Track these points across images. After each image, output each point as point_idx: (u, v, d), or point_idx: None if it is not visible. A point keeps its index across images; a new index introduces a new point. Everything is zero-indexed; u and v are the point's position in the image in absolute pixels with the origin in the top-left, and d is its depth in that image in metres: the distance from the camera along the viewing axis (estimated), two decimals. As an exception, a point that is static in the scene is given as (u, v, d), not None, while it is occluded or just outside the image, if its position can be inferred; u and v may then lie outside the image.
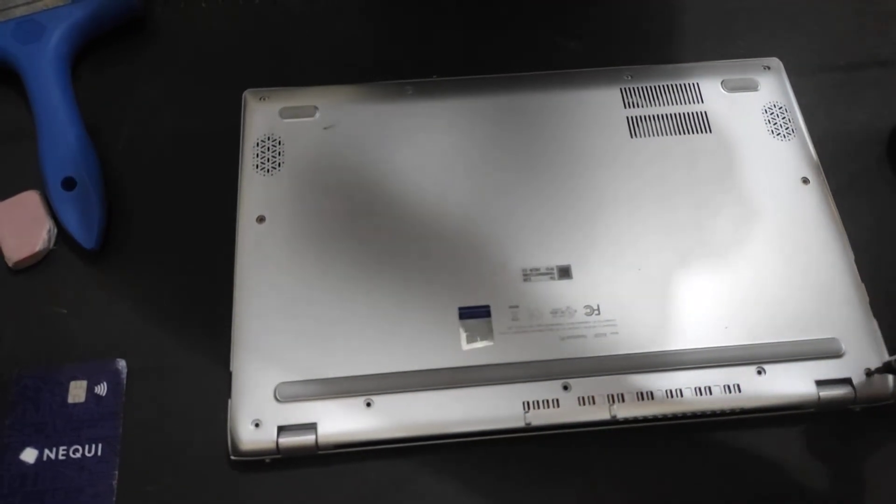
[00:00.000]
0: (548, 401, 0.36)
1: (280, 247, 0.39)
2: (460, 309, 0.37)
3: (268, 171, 0.41)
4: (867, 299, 0.38)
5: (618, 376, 0.36)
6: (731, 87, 0.44)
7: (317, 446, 0.35)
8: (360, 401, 0.35)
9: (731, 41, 0.48)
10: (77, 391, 0.37)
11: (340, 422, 0.35)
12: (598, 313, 0.37)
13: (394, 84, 0.44)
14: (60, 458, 0.35)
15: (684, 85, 0.44)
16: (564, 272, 0.38)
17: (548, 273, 0.38)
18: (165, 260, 0.41)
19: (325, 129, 0.43)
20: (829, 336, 0.37)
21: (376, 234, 0.39)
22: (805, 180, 0.42)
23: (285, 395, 0.35)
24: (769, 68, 0.45)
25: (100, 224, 0.40)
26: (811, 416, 0.37)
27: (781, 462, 0.36)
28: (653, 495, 0.35)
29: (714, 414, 0.36)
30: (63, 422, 0.36)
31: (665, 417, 0.36)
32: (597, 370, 0.36)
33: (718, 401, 0.36)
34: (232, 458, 0.35)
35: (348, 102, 0.43)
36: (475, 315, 0.37)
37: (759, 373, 0.36)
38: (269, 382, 0.36)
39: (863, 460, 0.36)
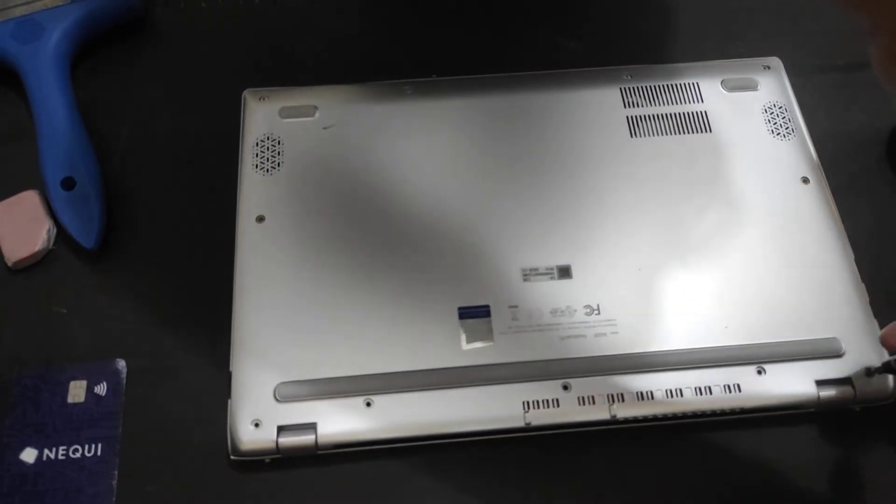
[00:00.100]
0: (548, 401, 0.35)
1: (280, 247, 0.39)
2: (460, 309, 0.37)
3: (267, 170, 0.41)
4: (867, 299, 0.38)
5: (618, 376, 0.36)
6: (731, 87, 0.44)
7: (316, 446, 0.35)
8: (360, 401, 0.35)
9: (731, 41, 0.48)
10: (77, 391, 0.37)
11: (340, 422, 0.35)
12: (598, 313, 0.37)
13: (393, 84, 0.44)
14: (60, 458, 0.35)
15: (684, 85, 0.44)
16: (564, 272, 0.38)
17: (548, 273, 0.38)
18: (165, 260, 0.41)
19: (324, 128, 0.43)
20: (829, 336, 0.37)
21: (376, 234, 0.39)
22: (805, 180, 0.42)
23: (285, 395, 0.35)
24: (769, 68, 0.45)
25: (99, 224, 0.40)
26: (811, 416, 0.37)
27: (781, 462, 0.36)
28: (653, 495, 0.35)
29: (714, 414, 0.36)
30: (63, 422, 0.36)
31: (665, 417, 0.36)
32: (597, 370, 0.36)
33: (718, 401, 0.36)
34: (232, 457, 0.35)
35: (348, 102, 0.43)
36: (475, 315, 0.37)
37: (759, 373, 0.36)
38: (269, 382, 0.36)
39: (863, 460, 0.36)
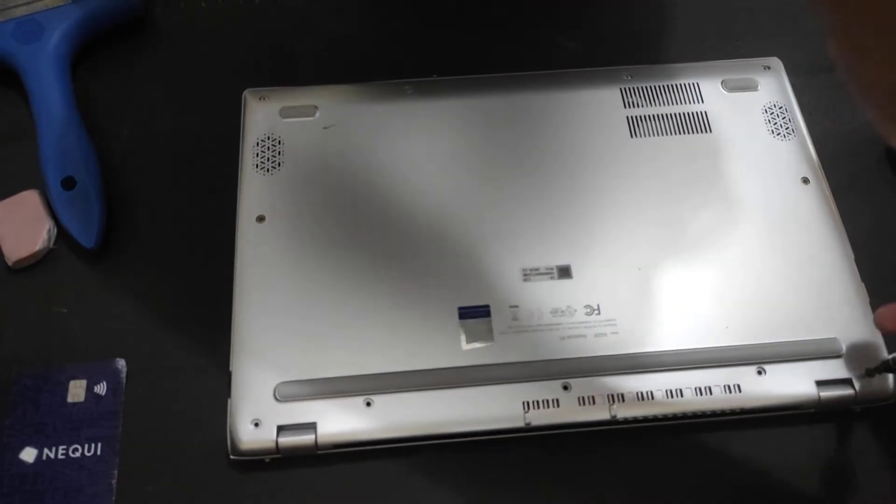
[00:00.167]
0: (548, 401, 0.35)
1: (280, 246, 0.39)
2: (460, 309, 0.37)
3: (268, 170, 0.41)
4: (867, 299, 0.38)
5: (618, 376, 0.36)
6: (731, 87, 0.44)
7: (316, 446, 0.35)
8: (360, 400, 0.35)
9: (731, 41, 0.48)
10: (76, 391, 0.37)
11: (340, 421, 0.35)
12: (598, 313, 0.37)
13: (393, 84, 0.44)
14: (60, 457, 0.35)
15: (684, 85, 0.44)
16: (564, 272, 0.38)
17: (548, 273, 0.38)
18: (165, 260, 0.41)
19: (325, 128, 0.43)
20: (829, 336, 0.37)
21: (376, 234, 0.39)
22: (805, 180, 0.42)
23: (285, 394, 0.35)
24: (769, 68, 0.45)
25: (99, 223, 0.40)
26: (811, 416, 0.37)
27: (781, 462, 0.36)
28: (653, 495, 0.35)
29: (714, 414, 0.36)
30: (62, 421, 0.36)
31: (665, 417, 0.36)
32: (597, 370, 0.36)
33: (718, 401, 0.36)
34: (231, 457, 0.35)
35: (348, 102, 0.43)
36: (475, 315, 0.37)
37: (760, 373, 0.36)
38: (269, 382, 0.36)
39: (863, 460, 0.36)
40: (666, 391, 0.36)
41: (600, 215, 0.40)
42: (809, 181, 0.42)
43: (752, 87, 0.45)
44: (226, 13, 0.49)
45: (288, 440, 0.35)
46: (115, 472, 0.35)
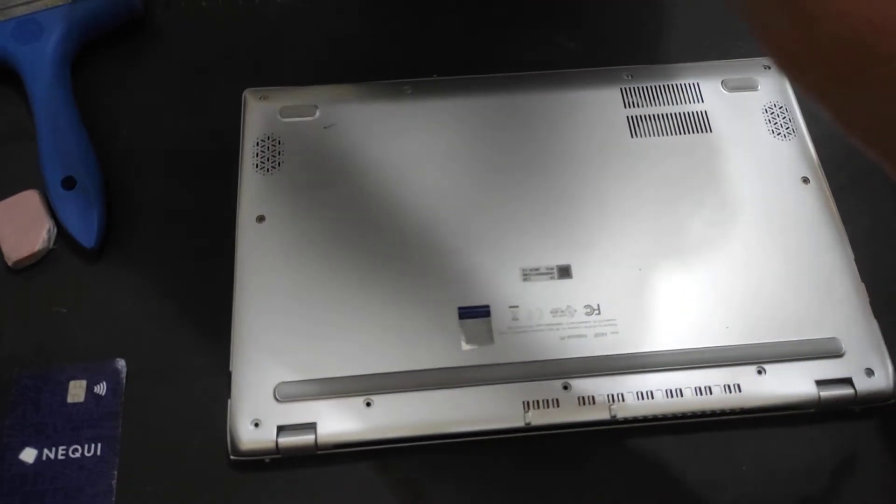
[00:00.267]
0: (548, 401, 0.35)
1: (280, 246, 0.39)
2: (460, 309, 0.37)
3: (268, 170, 0.41)
4: (867, 299, 0.38)
5: (618, 376, 0.36)
6: (731, 87, 0.44)
7: (316, 446, 0.35)
8: (360, 400, 0.35)
9: (731, 41, 0.48)
10: (76, 391, 0.37)
11: (340, 422, 0.35)
12: (599, 313, 0.37)
13: (393, 83, 0.44)
14: (60, 457, 0.35)
15: (684, 85, 0.44)
16: (564, 272, 0.38)
17: (548, 273, 0.38)
18: (165, 260, 0.41)
19: (325, 128, 0.43)
20: (829, 336, 0.37)
21: (376, 234, 0.39)
22: (805, 180, 0.42)
23: (285, 394, 0.35)
24: (769, 68, 0.45)
25: (99, 223, 0.40)
26: (811, 416, 0.37)
27: (781, 462, 0.36)
28: (653, 495, 0.35)
29: (714, 414, 0.36)
30: (62, 422, 0.36)
31: (665, 417, 0.36)
32: (597, 370, 0.36)
33: (718, 401, 0.36)
34: (231, 457, 0.35)
35: (348, 102, 0.43)
36: (475, 315, 0.37)
37: (760, 373, 0.36)
38: (269, 382, 0.36)
39: (863, 460, 0.36)
40: (666, 391, 0.36)
41: (600, 215, 0.40)
42: (809, 181, 0.42)
43: (752, 87, 0.45)
44: (226, 13, 0.49)
45: (288, 440, 0.35)
46: (115, 472, 0.35)
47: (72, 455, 0.35)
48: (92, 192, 0.41)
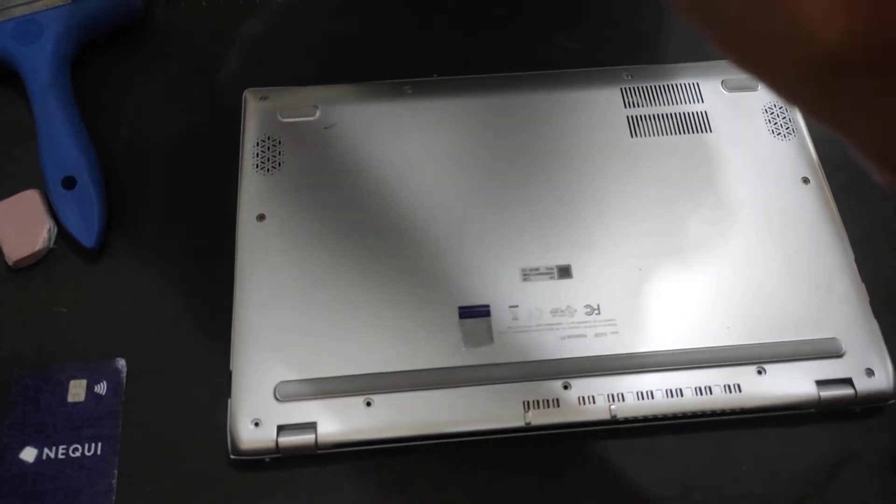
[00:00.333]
0: (548, 401, 0.35)
1: (280, 246, 0.39)
2: (460, 309, 0.37)
3: (268, 170, 0.41)
4: (867, 299, 0.38)
5: (618, 376, 0.36)
6: (731, 87, 0.44)
7: (316, 445, 0.35)
8: (360, 400, 0.35)
9: (731, 41, 0.48)
10: (77, 390, 0.37)
11: (340, 421, 0.35)
12: (599, 313, 0.37)
13: (393, 83, 0.44)
14: (60, 457, 0.35)
15: (684, 85, 0.44)
16: (564, 272, 0.38)
17: (548, 273, 0.38)
18: (165, 259, 0.41)
19: (325, 128, 0.43)
20: (830, 336, 0.37)
21: (376, 234, 0.39)
22: (805, 180, 0.42)
23: (285, 394, 0.35)
24: (769, 68, 0.45)
25: (100, 223, 0.40)
26: (811, 416, 0.37)
27: (781, 462, 0.36)
28: (653, 495, 0.35)
29: (714, 414, 0.36)
30: (63, 421, 0.36)
31: (665, 417, 0.36)
32: (597, 370, 0.36)
33: (718, 401, 0.36)
34: (231, 457, 0.35)
35: (348, 102, 0.43)
36: (475, 315, 0.37)
37: (760, 373, 0.36)
38: (269, 382, 0.36)
39: (863, 460, 0.36)
40: (666, 391, 0.36)
41: (600, 215, 0.40)
42: (809, 181, 0.42)
43: (752, 87, 0.45)
44: (226, 13, 0.49)
45: (288, 440, 0.35)
46: (116, 471, 0.35)
47: (72, 454, 0.35)
48: (92, 192, 0.41)
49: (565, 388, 0.36)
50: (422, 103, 0.43)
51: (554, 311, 0.37)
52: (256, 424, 0.35)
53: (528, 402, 0.35)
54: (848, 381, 0.36)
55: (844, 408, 0.37)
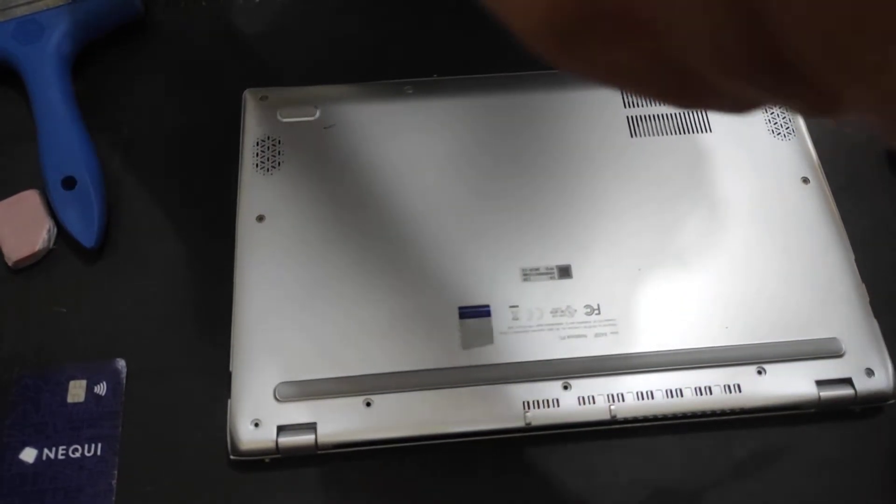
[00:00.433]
0: (548, 401, 0.35)
1: (280, 246, 0.39)
2: (460, 309, 0.37)
3: (268, 170, 0.41)
4: (867, 299, 0.38)
5: (618, 376, 0.36)
6: (731, 87, 0.44)
7: (316, 446, 0.35)
8: (360, 400, 0.35)
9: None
10: (76, 391, 0.37)
11: (340, 421, 0.35)
12: (599, 313, 0.37)
13: (394, 84, 0.44)
14: (60, 457, 0.35)
15: (684, 85, 0.44)
16: (564, 272, 0.38)
17: (548, 273, 0.38)
18: (165, 259, 0.41)
19: (325, 128, 0.43)
20: (829, 336, 0.37)
21: (376, 234, 0.39)
22: (805, 180, 0.42)
23: (285, 394, 0.35)
24: (769, 68, 0.45)
25: (100, 223, 0.40)
26: (811, 416, 0.37)
27: (781, 462, 0.36)
28: (653, 495, 0.35)
29: (714, 414, 0.36)
30: (62, 421, 0.36)
31: (665, 417, 0.36)
32: (597, 370, 0.36)
33: (718, 401, 0.36)
34: (231, 457, 0.35)
35: (348, 102, 0.43)
36: (475, 315, 0.37)
37: (760, 373, 0.36)
38: (269, 382, 0.36)
39: (863, 460, 0.36)
40: (666, 391, 0.36)
41: (600, 215, 0.40)
42: (809, 181, 0.41)
43: (752, 87, 0.44)
44: (226, 13, 0.49)
45: (288, 440, 0.35)
46: (115, 472, 0.35)
47: (72, 455, 0.35)
48: (92, 192, 0.41)
49: (565, 388, 0.36)
50: (422, 103, 0.43)
51: (554, 311, 0.37)
52: (256, 425, 0.35)
53: (528, 403, 0.35)
54: (848, 381, 0.36)
55: (844, 408, 0.37)
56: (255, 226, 0.40)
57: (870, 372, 0.36)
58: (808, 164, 0.42)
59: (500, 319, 0.37)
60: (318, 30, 0.48)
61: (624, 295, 0.38)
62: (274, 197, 0.40)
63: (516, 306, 0.38)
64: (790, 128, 0.43)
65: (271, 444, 0.35)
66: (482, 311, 0.37)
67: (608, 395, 0.36)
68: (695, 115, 0.43)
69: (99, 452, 0.36)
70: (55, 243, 0.41)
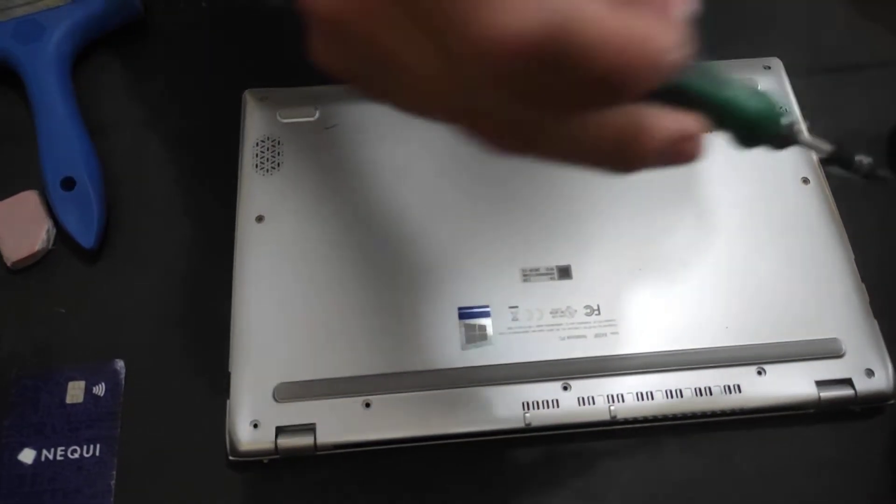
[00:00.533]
0: (548, 401, 0.35)
1: (279, 247, 0.39)
2: (460, 309, 0.37)
3: (267, 170, 0.41)
4: (867, 299, 0.38)
5: (618, 376, 0.36)
6: (731, 88, 0.44)
7: (315, 447, 0.35)
8: (359, 401, 0.35)
9: (731, 41, 0.48)
10: (75, 392, 0.37)
11: (339, 422, 0.35)
12: (598, 313, 0.37)
13: (393, 84, 0.44)
14: (58, 458, 0.35)
15: (684, 85, 0.44)
16: (564, 272, 0.38)
17: (548, 273, 0.38)
18: (165, 260, 0.41)
19: (325, 129, 0.43)
20: (829, 336, 0.37)
21: (376, 234, 0.39)
22: (805, 180, 0.42)
23: (284, 395, 0.35)
24: (769, 68, 0.45)
25: (99, 224, 0.40)
26: (811, 416, 0.37)
27: (781, 462, 0.36)
28: (653, 495, 0.35)
29: (714, 414, 0.36)
30: (61, 422, 0.36)
31: (665, 417, 0.36)
32: (597, 370, 0.36)
33: (718, 401, 0.36)
34: (230, 458, 0.35)
35: (348, 102, 0.43)
36: (475, 315, 0.37)
37: (760, 373, 0.36)
38: (268, 383, 0.35)
39: (863, 460, 0.36)
40: (666, 391, 0.36)
41: (600, 215, 0.40)
42: (809, 181, 0.41)
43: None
44: (226, 13, 0.49)
45: (287, 441, 0.35)
46: (114, 472, 0.35)
47: (70, 456, 0.35)
48: (92, 192, 0.41)
49: (565, 388, 0.36)
50: (421, 103, 0.43)
51: (554, 312, 0.37)
52: (255, 426, 0.35)
53: (528, 403, 0.35)
54: (848, 382, 0.36)
55: (844, 408, 0.36)
56: (254, 226, 0.40)
57: (870, 372, 0.36)
58: (808, 164, 0.42)
59: (499, 320, 0.37)
60: (317, 30, 0.48)
61: (624, 295, 0.38)
62: (274, 197, 0.40)
63: (516, 307, 0.38)
64: (790, 128, 0.43)
65: (270, 445, 0.34)
66: (482, 312, 0.37)
67: (608, 396, 0.36)
68: (695, 116, 0.43)
69: (97, 453, 0.36)
70: (54, 244, 0.41)
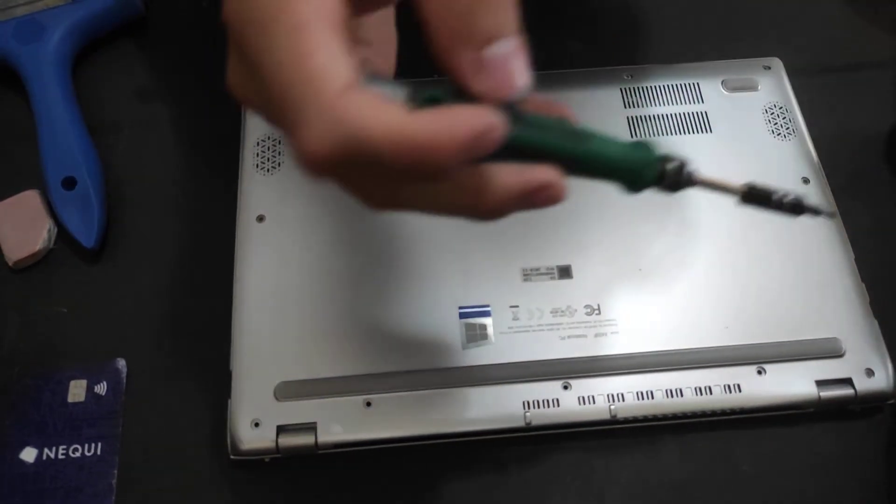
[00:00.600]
0: (548, 401, 0.35)
1: (280, 246, 0.39)
2: (460, 309, 0.37)
3: (268, 170, 0.41)
4: (867, 299, 0.38)
5: (618, 376, 0.36)
6: (731, 87, 0.44)
7: (316, 446, 0.35)
8: (360, 400, 0.35)
9: (731, 41, 0.48)
10: (77, 390, 0.37)
11: (340, 421, 0.35)
12: (599, 313, 0.37)
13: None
14: (60, 457, 0.35)
15: (684, 85, 0.44)
16: (564, 272, 0.38)
17: (548, 273, 0.38)
18: (165, 259, 0.41)
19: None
20: (829, 336, 0.37)
21: (376, 234, 0.39)
22: (805, 180, 0.42)
23: (285, 394, 0.35)
24: (769, 68, 0.45)
25: (100, 223, 0.41)
26: (811, 416, 0.37)
27: (781, 462, 0.36)
28: (653, 495, 0.35)
29: (714, 414, 0.36)
30: (63, 421, 0.36)
31: (665, 417, 0.36)
32: (597, 370, 0.36)
33: (718, 401, 0.36)
34: (231, 457, 0.35)
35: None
36: (475, 315, 0.37)
37: (760, 373, 0.36)
38: (269, 382, 0.36)
39: (863, 460, 0.36)
40: (666, 391, 0.36)
41: (600, 215, 0.40)
42: (809, 181, 0.42)
43: (752, 87, 0.45)
44: (226, 13, 0.49)
45: (288, 440, 0.35)
46: (115, 471, 0.35)
47: (72, 455, 0.36)
48: (92, 192, 0.41)
49: (565, 388, 0.36)
50: (422, 103, 0.43)
51: (554, 311, 0.37)
52: (256, 425, 0.35)
53: (528, 402, 0.35)
54: (848, 381, 0.36)
55: (844, 408, 0.37)
56: (255, 226, 0.40)
57: (870, 372, 0.36)
58: (808, 164, 0.42)
59: (500, 319, 0.37)
60: (318, 30, 0.48)
61: (624, 295, 0.38)
62: (274, 197, 0.40)
63: (516, 306, 0.38)
64: (790, 128, 0.43)
65: (271, 444, 0.35)
66: (482, 311, 0.37)
67: (608, 395, 0.36)
68: (695, 116, 0.43)
69: (99, 452, 0.36)
70: (55, 243, 0.41)
